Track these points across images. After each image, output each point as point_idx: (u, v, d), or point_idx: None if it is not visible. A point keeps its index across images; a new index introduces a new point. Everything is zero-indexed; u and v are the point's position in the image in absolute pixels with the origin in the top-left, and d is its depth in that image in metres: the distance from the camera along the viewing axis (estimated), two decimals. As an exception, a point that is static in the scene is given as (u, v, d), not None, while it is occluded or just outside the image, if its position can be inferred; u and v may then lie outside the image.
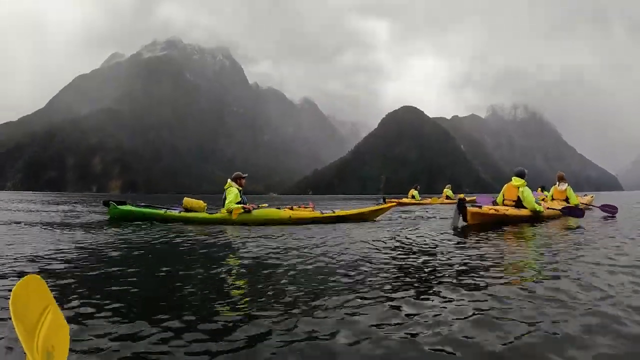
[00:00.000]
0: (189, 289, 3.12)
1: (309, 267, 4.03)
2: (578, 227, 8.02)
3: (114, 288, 3.14)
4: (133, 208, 9.69)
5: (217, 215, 9.45)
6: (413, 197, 23.10)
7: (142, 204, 10.18)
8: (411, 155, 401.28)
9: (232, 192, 9.35)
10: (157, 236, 6.67)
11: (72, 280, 3.38)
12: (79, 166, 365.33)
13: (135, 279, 3.52)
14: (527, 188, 9.41)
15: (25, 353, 1.03)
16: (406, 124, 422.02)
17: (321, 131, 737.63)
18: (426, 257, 4.54)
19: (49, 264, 4.10)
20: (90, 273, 3.75)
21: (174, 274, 3.75)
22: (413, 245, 5.50)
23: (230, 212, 9.16)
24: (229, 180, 9.71)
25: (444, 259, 4.46)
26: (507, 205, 9.29)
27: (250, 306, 2.64)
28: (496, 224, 8.12)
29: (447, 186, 25.74)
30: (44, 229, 7.91)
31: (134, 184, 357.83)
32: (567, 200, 11.24)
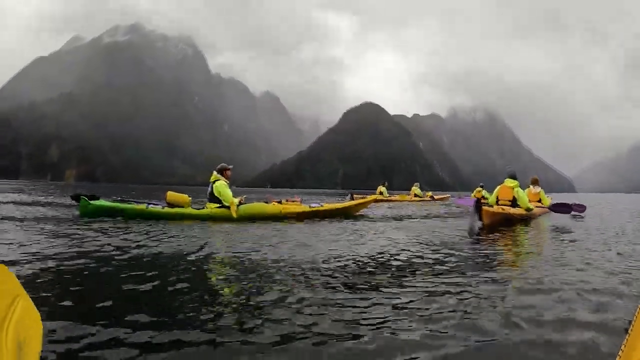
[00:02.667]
0: (174, 288, 2.97)
1: (317, 264, 3.96)
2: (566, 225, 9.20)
3: (88, 287, 3.02)
4: (109, 204, 8.73)
5: (205, 210, 8.94)
6: (381, 193, 22.63)
7: (119, 198, 9.39)
8: (369, 152, 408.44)
9: (225, 187, 8.93)
10: (137, 233, 6.20)
11: (42, 280, 3.12)
12: (35, 155, 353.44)
13: (114, 278, 3.33)
14: (520, 189, 10.00)
15: None
16: (366, 121, 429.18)
17: (282, 125, 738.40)
18: (444, 254, 4.69)
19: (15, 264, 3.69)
20: (65, 274, 3.41)
21: (159, 273, 3.50)
22: (433, 245, 5.48)
23: (228, 207, 8.80)
24: (214, 173, 9.19)
25: (455, 253, 4.72)
26: (502, 205, 9.55)
27: (233, 304, 2.58)
28: (504, 223, 8.67)
29: (415, 184, 25.44)
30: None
31: (92, 174, 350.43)
32: (539, 202, 11.67)
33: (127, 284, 3.01)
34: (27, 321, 1.19)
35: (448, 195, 29.35)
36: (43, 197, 16.96)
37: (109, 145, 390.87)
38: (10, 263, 3.68)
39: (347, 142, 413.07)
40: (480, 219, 7.87)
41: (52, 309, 2.36)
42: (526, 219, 9.82)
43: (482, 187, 21.24)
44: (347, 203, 11.24)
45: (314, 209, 9.90)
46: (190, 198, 9.05)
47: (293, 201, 10.22)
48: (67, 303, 2.50)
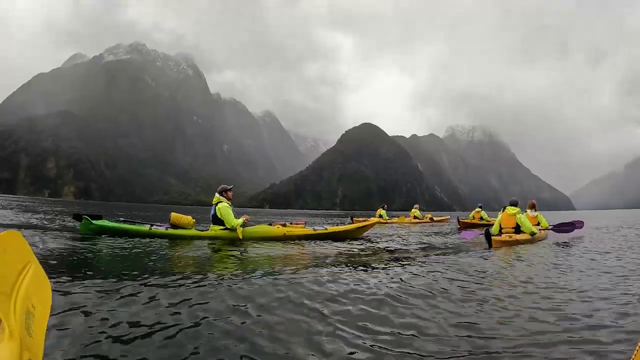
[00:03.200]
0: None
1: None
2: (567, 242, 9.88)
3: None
4: (112, 224, 8.57)
5: (209, 232, 8.85)
6: (381, 216, 22.55)
7: (121, 219, 9.18)
8: (368, 172, 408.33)
9: (227, 208, 8.87)
10: (140, 249, 6.35)
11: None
12: (33, 168, 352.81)
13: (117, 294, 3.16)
14: (522, 215, 10.29)
15: None
16: (365, 141, 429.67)
17: (281, 145, 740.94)
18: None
19: None
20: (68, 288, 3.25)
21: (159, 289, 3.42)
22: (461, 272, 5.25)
23: (234, 229, 8.72)
24: (217, 195, 9.14)
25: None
26: (506, 233, 9.99)
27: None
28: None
29: (415, 206, 25.09)
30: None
31: (88, 190, 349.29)
32: (538, 225, 11.86)
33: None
34: (36, 287, 1.20)
35: (447, 216, 28.73)
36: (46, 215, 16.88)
37: (104, 162, 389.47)
38: None
39: (346, 162, 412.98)
40: (490, 247, 8.55)
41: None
42: (533, 242, 10.07)
43: (480, 207, 20.83)
44: (351, 226, 11.09)
45: (318, 231, 9.89)
46: (194, 220, 9.11)
47: (297, 224, 10.33)
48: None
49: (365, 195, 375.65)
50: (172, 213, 9.14)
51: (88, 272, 3.88)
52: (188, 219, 9.00)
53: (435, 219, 24.97)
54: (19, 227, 8.51)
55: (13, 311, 1.03)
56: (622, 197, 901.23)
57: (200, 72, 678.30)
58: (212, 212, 9.02)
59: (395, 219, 23.16)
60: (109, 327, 2.16)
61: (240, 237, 8.60)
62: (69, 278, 3.51)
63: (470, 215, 20.75)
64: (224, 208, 8.83)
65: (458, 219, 19.46)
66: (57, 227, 10.24)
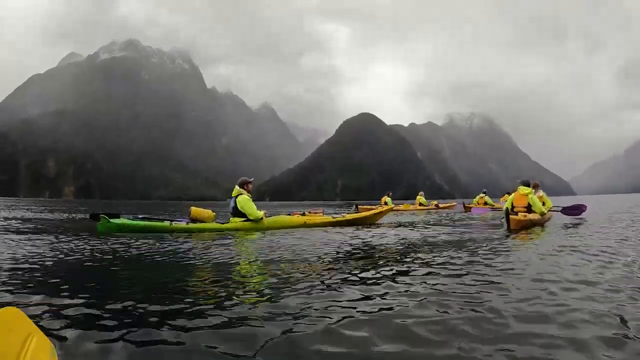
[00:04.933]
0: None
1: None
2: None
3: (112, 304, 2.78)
4: (130, 222, 8.39)
5: (230, 224, 8.87)
6: (386, 203, 22.05)
7: (139, 216, 9.01)
8: (368, 162, 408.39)
9: (248, 200, 8.93)
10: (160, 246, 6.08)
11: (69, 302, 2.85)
12: (32, 169, 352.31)
13: (138, 291, 3.23)
14: (534, 195, 10.64)
15: None
16: (363, 131, 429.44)
17: (280, 137, 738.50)
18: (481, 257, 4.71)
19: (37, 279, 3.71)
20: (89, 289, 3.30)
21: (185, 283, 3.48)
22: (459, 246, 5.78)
23: (259, 219, 8.86)
24: (236, 187, 9.18)
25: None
26: (517, 211, 10.16)
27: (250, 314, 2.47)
28: (527, 228, 9.48)
29: (420, 193, 25.16)
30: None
31: (88, 188, 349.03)
32: (543, 204, 11.84)
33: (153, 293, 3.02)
34: (41, 355, 1.25)
35: (454, 203, 28.15)
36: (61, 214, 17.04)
37: (104, 159, 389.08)
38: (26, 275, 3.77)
39: (345, 153, 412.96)
40: (509, 225, 8.87)
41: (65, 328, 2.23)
42: (545, 222, 10.63)
43: (484, 192, 21.37)
44: (368, 213, 11.44)
45: (336, 219, 10.12)
46: (215, 213, 9.08)
47: (316, 213, 10.49)
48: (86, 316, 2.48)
49: (365, 184, 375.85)
50: (192, 207, 9.17)
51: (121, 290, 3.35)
52: (208, 212, 9.01)
53: (440, 205, 24.82)
54: (36, 232, 8.27)
55: None
56: (623, 182, 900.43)
57: (195, 66, 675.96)
58: (232, 204, 9.04)
59: (400, 206, 23.04)
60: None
61: (265, 225, 8.83)
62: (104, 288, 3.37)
63: (475, 200, 21.40)
64: (244, 200, 8.89)
65: (464, 204, 20.09)
66: (73, 228, 10.19)
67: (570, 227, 9.14)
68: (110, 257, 4.91)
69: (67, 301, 2.72)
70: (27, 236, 7.20)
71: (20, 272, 3.87)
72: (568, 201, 19.87)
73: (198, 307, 2.52)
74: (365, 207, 18.51)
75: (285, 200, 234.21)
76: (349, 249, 5.46)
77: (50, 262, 4.48)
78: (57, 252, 5.23)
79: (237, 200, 8.92)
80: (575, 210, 12.65)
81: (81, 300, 2.74)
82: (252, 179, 9.54)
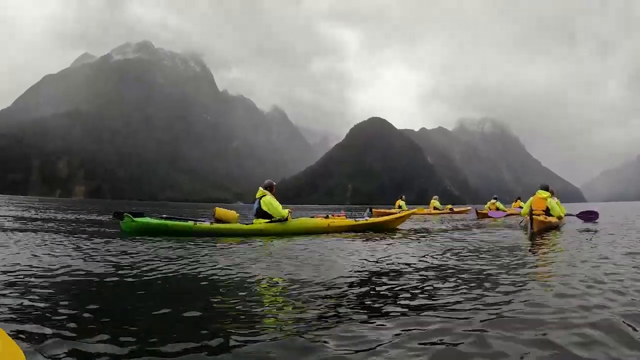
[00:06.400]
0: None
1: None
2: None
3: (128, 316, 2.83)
4: (155, 221, 8.41)
5: (255, 225, 8.89)
6: (400, 207, 22.65)
7: (164, 215, 9.04)
8: (378, 167, 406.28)
9: (273, 199, 9.04)
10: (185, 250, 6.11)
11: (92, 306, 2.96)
12: (44, 169, 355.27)
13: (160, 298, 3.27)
14: (552, 199, 11.12)
15: None
16: (374, 136, 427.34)
17: (290, 140, 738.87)
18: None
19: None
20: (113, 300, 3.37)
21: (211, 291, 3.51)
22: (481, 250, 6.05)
23: (284, 218, 8.93)
24: (261, 189, 9.34)
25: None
26: (535, 214, 10.20)
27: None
28: (547, 229, 10.04)
29: (435, 197, 25.03)
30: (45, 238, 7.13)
31: (99, 189, 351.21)
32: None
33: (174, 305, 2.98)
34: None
35: (469, 207, 28.00)
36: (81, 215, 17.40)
37: (115, 161, 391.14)
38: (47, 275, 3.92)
39: (355, 157, 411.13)
40: (532, 226, 9.31)
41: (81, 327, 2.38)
42: (559, 226, 11.10)
43: (496, 199, 21.24)
44: (391, 217, 11.34)
45: (359, 222, 10.16)
46: (239, 215, 9.25)
47: (339, 216, 10.57)
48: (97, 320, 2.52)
49: (375, 189, 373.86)
50: (217, 208, 9.22)
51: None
52: (232, 213, 9.11)
53: (455, 209, 25.00)
54: (60, 232, 8.53)
55: None
56: (635, 189, 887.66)
57: (207, 69, 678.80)
58: (257, 205, 9.15)
59: (415, 210, 22.18)
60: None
61: (294, 225, 9.00)
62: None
63: (486, 206, 21.36)
64: (269, 200, 9.03)
65: (476, 211, 20.10)
66: (97, 227, 10.25)
67: (589, 233, 9.47)
68: (128, 270, 4.53)
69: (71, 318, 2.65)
70: (53, 237, 7.40)
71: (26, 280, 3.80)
72: (579, 208, 20.18)
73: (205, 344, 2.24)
74: (379, 210, 18.74)
75: (295, 204, 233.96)
76: (375, 268, 4.91)
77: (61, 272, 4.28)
78: (77, 258, 5.15)
79: (261, 200, 9.06)
80: (591, 215, 13.24)
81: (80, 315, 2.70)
82: (276, 183, 9.74)
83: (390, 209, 22.26)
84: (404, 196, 24.38)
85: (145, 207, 37.53)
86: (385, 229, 10.40)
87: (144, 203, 67.83)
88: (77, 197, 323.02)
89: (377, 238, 8.34)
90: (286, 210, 8.99)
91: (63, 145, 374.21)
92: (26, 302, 2.92)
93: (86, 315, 2.67)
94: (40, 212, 19.02)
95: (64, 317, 2.58)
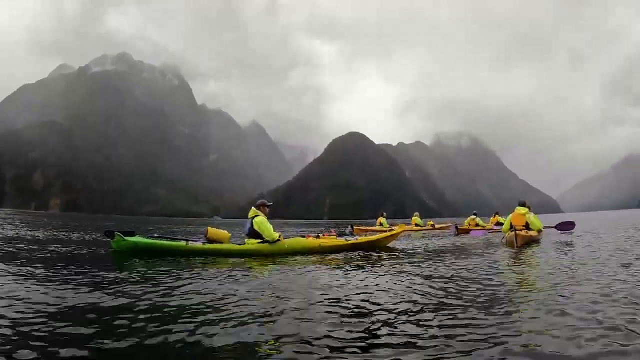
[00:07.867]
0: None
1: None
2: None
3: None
4: (146, 240, 8.36)
5: (247, 246, 8.85)
6: (381, 224, 22.32)
7: (155, 235, 9.10)
8: (356, 181, 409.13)
9: (265, 221, 8.96)
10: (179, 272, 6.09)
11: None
12: (19, 181, 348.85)
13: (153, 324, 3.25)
14: (531, 215, 11.70)
15: None
16: (352, 150, 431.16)
17: (269, 155, 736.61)
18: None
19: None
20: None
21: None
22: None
23: (275, 241, 8.87)
24: (253, 209, 9.29)
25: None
26: (516, 230, 10.59)
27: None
28: (529, 244, 10.55)
29: (416, 214, 25.09)
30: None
31: (75, 202, 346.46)
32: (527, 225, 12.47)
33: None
34: None
35: (450, 224, 27.93)
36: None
37: (92, 173, 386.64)
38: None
39: (333, 171, 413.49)
40: (517, 242, 9.66)
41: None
42: (539, 240, 11.67)
43: (475, 214, 21.41)
44: (381, 235, 11.47)
45: (350, 242, 10.20)
46: (231, 234, 9.24)
47: (329, 235, 10.56)
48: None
49: (353, 204, 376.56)
50: (209, 228, 9.20)
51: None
52: (225, 233, 9.10)
53: (437, 226, 24.96)
54: (47, 255, 8.27)
55: None
56: (610, 199, 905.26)
57: (186, 82, 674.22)
58: (249, 225, 9.05)
59: (405, 228, 22.97)
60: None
61: (286, 246, 8.98)
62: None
63: (466, 222, 21.38)
64: (262, 221, 8.95)
65: (456, 226, 20.09)
66: (88, 247, 10.14)
67: (567, 245, 10.23)
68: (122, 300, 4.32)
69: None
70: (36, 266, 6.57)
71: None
72: (556, 219, 20.85)
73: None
74: (360, 227, 18.80)
75: (272, 219, 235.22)
76: (360, 299, 4.58)
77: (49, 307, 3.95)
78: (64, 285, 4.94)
79: (254, 221, 8.98)
80: (568, 226, 14.43)
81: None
82: (272, 203, 9.73)
83: (370, 224, 23.37)
84: (385, 213, 24.21)
85: (127, 222, 38.99)
86: (377, 248, 10.49)
87: (125, 218, 67.53)
88: (53, 210, 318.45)
89: (365, 260, 8.24)
90: (277, 234, 8.91)
91: (39, 157, 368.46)
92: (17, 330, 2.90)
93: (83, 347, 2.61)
94: (19, 228, 18.49)
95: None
